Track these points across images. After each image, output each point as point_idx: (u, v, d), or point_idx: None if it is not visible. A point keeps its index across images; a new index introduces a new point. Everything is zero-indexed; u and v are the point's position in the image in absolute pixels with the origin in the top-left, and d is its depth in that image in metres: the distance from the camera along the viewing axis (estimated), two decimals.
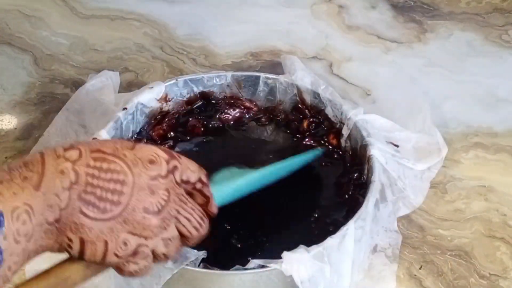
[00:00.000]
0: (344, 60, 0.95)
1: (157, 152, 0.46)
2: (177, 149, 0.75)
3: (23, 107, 0.85)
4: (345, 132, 0.73)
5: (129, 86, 0.88)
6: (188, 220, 0.47)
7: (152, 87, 0.75)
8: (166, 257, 0.47)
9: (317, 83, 0.76)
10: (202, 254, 0.56)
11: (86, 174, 0.42)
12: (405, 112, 0.79)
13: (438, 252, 0.68)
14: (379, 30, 1.02)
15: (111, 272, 0.59)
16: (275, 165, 0.65)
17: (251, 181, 0.61)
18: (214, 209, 0.51)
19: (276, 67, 0.89)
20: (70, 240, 0.42)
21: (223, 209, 0.54)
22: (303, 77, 0.77)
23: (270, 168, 0.64)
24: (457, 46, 0.99)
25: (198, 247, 0.56)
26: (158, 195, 0.45)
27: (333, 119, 0.75)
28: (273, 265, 0.54)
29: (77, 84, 0.87)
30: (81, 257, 0.43)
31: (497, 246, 0.69)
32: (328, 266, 0.56)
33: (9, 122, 0.83)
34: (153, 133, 0.75)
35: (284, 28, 1.02)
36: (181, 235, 0.47)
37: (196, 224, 0.48)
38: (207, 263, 0.56)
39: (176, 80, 0.76)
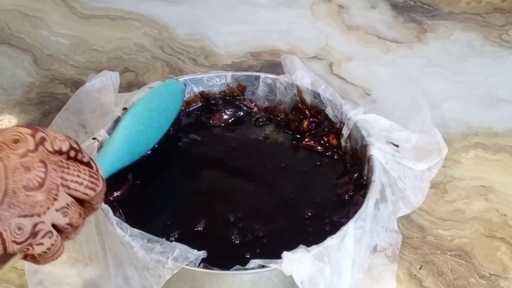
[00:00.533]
0: (344, 60, 0.95)
1: (20, 130, 0.45)
2: (177, 147, 0.75)
3: (23, 107, 0.85)
4: (345, 132, 0.73)
5: (129, 86, 0.88)
6: (78, 183, 0.46)
7: (152, 87, 0.75)
8: (72, 226, 0.46)
9: (317, 83, 0.76)
10: (202, 254, 0.56)
11: None
12: (405, 112, 0.79)
13: (438, 252, 0.68)
14: (379, 30, 1.02)
15: (111, 272, 0.60)
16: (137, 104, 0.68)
17: (123, 129, 0.64)
18: (100, 172, 0.49)
19: (276, 67, 0.89)
20: None
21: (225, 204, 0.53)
22: (303, 77, 0.77)
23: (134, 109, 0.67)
24: (457, 46, 0.99)
25: (198, 247, 0.56)
26: (34, 170, 0.43)
27: (333, 119, 0.75)
28: (273, 265, 0.54)
29: (77, 84, 0.87)
30: None
31: (497, 246, 0.69)
32: (328, 266, 0.56)
33: (9, 122, 0.83)
34: None
35: (284, 28, 1.02)
36: (80, 200, 0.46)
37: (89, 184, 0.47)
38: (207, 263, 0.56)
39: (176, 80, 0.76)
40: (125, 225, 0.57)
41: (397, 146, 0.73)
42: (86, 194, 0.47)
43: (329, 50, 0.97)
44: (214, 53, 0.96)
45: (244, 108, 0.80)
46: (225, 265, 0.56)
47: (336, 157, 0.74)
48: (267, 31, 1.01)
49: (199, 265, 0.55)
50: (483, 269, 0.66)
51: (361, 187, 0.68)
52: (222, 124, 0.78)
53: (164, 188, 0.70)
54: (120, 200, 0.67)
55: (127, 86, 0.88)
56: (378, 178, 0.65)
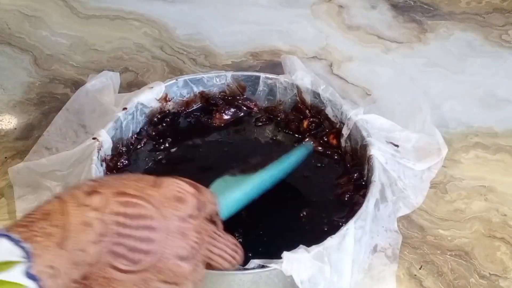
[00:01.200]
0: (344, 60, 0.95)
1: (183, 187, 0.43)
2: (177, 147, 0.75)
3: (23, 107, 0.85)
4: (345, 132, 0.73)
5: (129, 86, 0.88)
6: (222, 257, 0.45)
7: (152, 87, 0.75)
8: None
9: (317, 83, 0.76)
10: None
11: (113, 223, 0.39)
12: (405, 112, 0.79)
13: (438, 252, 0.68)
14: (379, 30, 1.02)
15: None
16: (271, 167, 0.65)
17: (249, 189, 0.60)
18: (239, 245, 0.48)
19: (276, 67, 0.89)
20: None
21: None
22: (303, 77, 0.77)
23: (267, 172, 0.64)
24: (457, 46, 0.99)
25: None
26: (189, 238, 0.42)
27: (333, 119, 0.75)
28: (273, 265, 0.54)
29: (77, 84, 0.87)
30: None
31: (497, 246, 0.69)
32: (328, 266, 0.56)
33: (9, 122, 0.83)
34: (153, 133, 0.75)
35: (284, 28, 1.02)
36: (212, 267, 0.46)
37: (229, 258, 0.46)
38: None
39: (176, 80, 0.76)
40: None
41: (397, 146, 0.73)
42: (222, 265, 0.46)
43: (329, 50, 0.97)
44: (214, 53, 0.96)
45: (244, 108, 0.79)
46: None
47: (336, 157, 0.74)
48: (267, 31, 1.01)
49: None
50: (483, 269, 0.66)
51: (361, 187, 0.68)
52: (222, 124, 0.78)
53: None
54: None
55: (127, 86, 0.88)
56: (378, 178, 0.65)
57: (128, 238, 0.39)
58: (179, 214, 0.42)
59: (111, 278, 0.39)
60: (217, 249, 0.45)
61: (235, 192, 0.58)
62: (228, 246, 0.46)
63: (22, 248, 0.35)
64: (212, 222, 0.47)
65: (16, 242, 0.35)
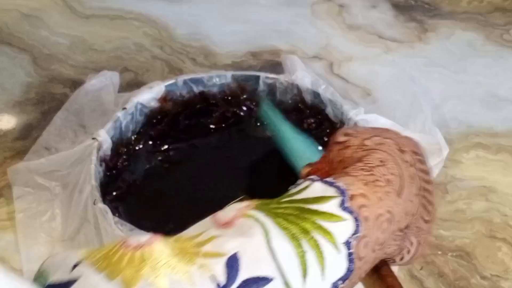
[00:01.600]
0: (345, 60, 0.95)
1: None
2: (177, 148, 0.75)
3: (22, 107, 0.85)
4: None
5: (129, 86, 0.87)
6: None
7: (151, 87, 0.75)
8: None
9: (318, 83, 0.76)
10: None
11: (421, 179, 0.42)
12: (406, 112, 0.79)
13: (439, 252, 0.68)
14: (380, 29, 1.01)
15: None
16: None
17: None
18: None
19: (276, 67, 0.88)
20: (411, 244, 0.42)
21: None
22: (303, 77, 0.77)
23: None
24: (458, 45, 0.99)
25: None
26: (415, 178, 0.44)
27: (333, 119, 0.75)
28: None
29: (76, 84, 0.86)
30: (399, 260, 0.43)
31: (498, 247, 0.69)
32: None
33: (8, 122, 0.83)
34: (153, 133, 0.75)
35: (284, 27, 1.01)
36: None
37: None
38: None
39: (176, 80, 0.76)
40: (124, 225, 0.57)
41: None
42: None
43: (330, 50, 0.97)
44: (214, 53, 0.96)
45: (244, 108, 0.79)
46: None
47: None
48: (267, 30, 1.00)
49: None
50: (484, 270, 0.66)
51: None
52: (223, 125, 0.78)
53: (164, 189, 0.69)
54: (119, 200, 0.67)
55: (127, 86, 0.87)
56: None
57: (426, 191, 0.42)
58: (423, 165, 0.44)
59: (420, 228, 0.42)
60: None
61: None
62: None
63: (336, 187, 0.37)
64: None
65: (331, 183, 0.38)
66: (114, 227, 0.57)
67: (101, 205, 0.59)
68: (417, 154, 0.44)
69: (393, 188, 0.39)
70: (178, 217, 0.66)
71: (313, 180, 0.38)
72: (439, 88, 0.90)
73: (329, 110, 0.75)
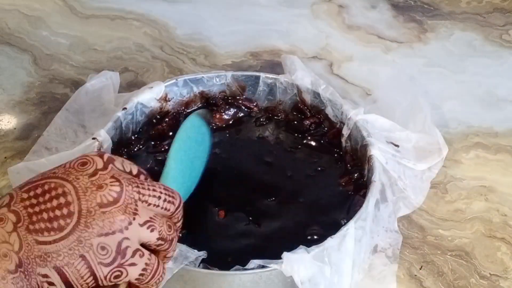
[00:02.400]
0: (344, 60, 0.95)
1: (86, 155, 0.43)
2: None
3: (22, 107, 0.85)
4: (345, 132, 0.73)
5: (129, 86, 0.88)
6: (156, 197, 0.43)
7: (152, 87, 0.75)
8: (164, 240, 0.44)
9: (317, 83, 0.76)
10: (202, 254, 0.56)
11: (24, 208, 0.40)
12: (406, 112, 0.79)
13: (439, 252, 0.68)
14: (379, 30, 1.02)
15: None
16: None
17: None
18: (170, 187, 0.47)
19: (276, 67, 0.88)
20: (45, 276, 0.39)
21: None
22: (303, 77, 0.77)
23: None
24: (457, 46, 0.99)
25: (198, 247, 0.56)
26: (106, 186, 0.41)
27: (333, 119, 0.75)
28: (273, 265, 0.54)
29: (76, 84, 0.86)
30: None
31: (498, 246, 0.69)
32: (328, 266, 0.56)
33: (8, 122, 0.83)
34: (153, 133, 0.75)
35: (284, 28, 1.01)
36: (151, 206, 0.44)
37: (167, 197, 0.44)
38: (207, 263, 0.56)
39: (176, 80, 0.76)
40: None
41: (397, 146, 0.73)
42: (167, 209, 0.44)
43: (329, 50, 0.97)
44: (214, 53, 0.96)
45: (244, 108, 0.79)
46: (225, 265, 0.56)
47: (336, 157, 0.74)
48: (267, 31, 1.01)
49: (199, 265, 0.55)
50: (483, 270, 0.66)
51: (361, 187, 0.68)
52: (224, 125, 0.78)
53: None
54: None
55: (127, 86, 0.88)
56: (378, 178, 0.65)
57: (43, 212, 0.40)
58: (87, 172, 0.42)
59: (45, 254, 0.39)
60: (147, 190, 0.43)
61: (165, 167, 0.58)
62: (158, 187, 0.44)
63: None
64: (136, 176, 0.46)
65: None
66: None
67: None
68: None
69: None
70: None
71: None
72: (439, 88, 0.90)
73: (329, 110, 0.75)
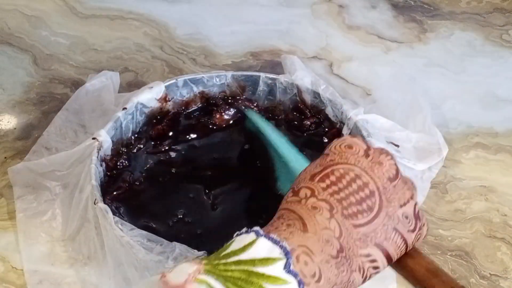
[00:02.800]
0: (344, 60, 0.95)
1: (345, 138, 0.46)
2: (177, 148, 0.75)
3: (22, 107, 0.85)
4: (345, 132, 0.73)
5: (129, 86, 0.88)
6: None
7: (152, 87, 0.75)
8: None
9: (317, 83, 0.76)
10: (202, 254, 0.56)
11: (331, 195, 0.42)
12: (406, 112, 0.79)
13: (439, 252, 0.68)
14: (380, 30, 1.01)
15: (110, 272, 0.60)
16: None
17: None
18: None
19: (276, 67, 0.88)
20: (368, 255, 0.42)
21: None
22: (303, 77, 0.77)
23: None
24: (457, 46, 0.99)
25: (198, 247, 0.56)
26: (385, 162, 0.44)
27: (333, 119, 0.75)
28: None
29: (76, 84, 0.86)
30: (389, 263, 0.44)
31: (498, 246, 0.69)
32: None
33: (8, 122, 0.83)
34: (153, 133, 0.75)
35: (284, 28, 1.01)
36: None
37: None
38: None
39: (176, 80, 0.76)
40: (124, 225, 0.57)
41: (397, 146, 0.73)
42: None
43: (329, 50, 0.97)
44: (214, 53, 0.96)
45: (244, 108, 0.79)
46: None
47: None
48: (267, 31, 1.00)
49: None
50: (483, 269, 0.66)
51: None
52: (224, 125, 0.78)
53: (164, 189, 0.69)
54: (120, 200, 0.67)
55: (127, 86, 0.87)
56: None
57: (349, 196, 0.42)
58: (360, 154, 0.45)
59: (364, 236, 0.42)
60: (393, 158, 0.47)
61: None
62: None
63: (281, 247, 0.39)
64: None
65: (276, 241, 0.39)
66: (114, 227, 0.57)
67: (101, 205, 0.59)
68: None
69: (296, 228, 0.41)
70: (179, 216, 0.66)
71: (257, 234, 0.40)
72: (439, 88, 0.90)
73: (329, 110, 0.75)
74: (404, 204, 0.44)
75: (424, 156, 0.73)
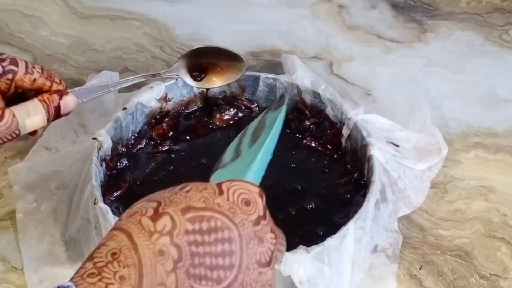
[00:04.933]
0: (344, 60, 0.95)
1: (247, 188, 0.40)
2: (177, 148, 0.75)
3: None
4: (345, 132, 0.73)
5: (129, 86, 0.87)
6: (281, 252, 0.43)
7: (152, 87, 0.75)
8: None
9: (317, 83, 0.76)
10: None
11: (187, 244, 0.36)
12: (405, 112, 0.79)
13: (439, 252, 0.68)
14: (379, 30, 1.01)
15: None
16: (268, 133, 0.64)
17: (266, 149, 0.59)
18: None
19: (276, 67, 0.88)
20: None
21: None
22: (303, 77, 0.77)
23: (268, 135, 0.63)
24: (457, 46, 0.99)
25: None
26: (266, 241, 0.39)
27: (333, 119, 0.75)
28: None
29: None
30: None
31: (498, 246, 0.69)
32: (328, 266, 0.56)
33: None
34: (153, 133, 0.75)
35: (284, 28, 1.01)
36: None
37: (279, 254, 0.43)
38: None
39: (176, 80, 0.76)
40: None
41: (397, 146, 0.73)
42: (277, 261, 0.42)
43: (329, 50, 0.97)
44: None
45: (244, 108, 0.79)
46: None
47: (336, 157, 0.74)
48: (267, 31, 1.00)
49: None
50: (483, 269, 0.66)
51: (361, 187, 0.68)
52: (224, 125, 0.78)
53: (164, 189, 0.69)
54: (120, 200, 0.67)
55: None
56: (378, 178, 0.65)
57: (206, 256, 0.37)
58: (251, 219, 0.39)
59: None
60: (281, 246, 0.42)
61: (252, 167, 0.55)
62: (283, 240, 0.43)
63: None
64: None
65: None
66: None
67: (101, 205, 0.60)
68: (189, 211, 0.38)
69: (129, 285, 0.34)
70: None
71: None
72: (439, 88, 0.90)
73: (329, 110, 0.75)
74: None
75: (424, 156, 0.73)
